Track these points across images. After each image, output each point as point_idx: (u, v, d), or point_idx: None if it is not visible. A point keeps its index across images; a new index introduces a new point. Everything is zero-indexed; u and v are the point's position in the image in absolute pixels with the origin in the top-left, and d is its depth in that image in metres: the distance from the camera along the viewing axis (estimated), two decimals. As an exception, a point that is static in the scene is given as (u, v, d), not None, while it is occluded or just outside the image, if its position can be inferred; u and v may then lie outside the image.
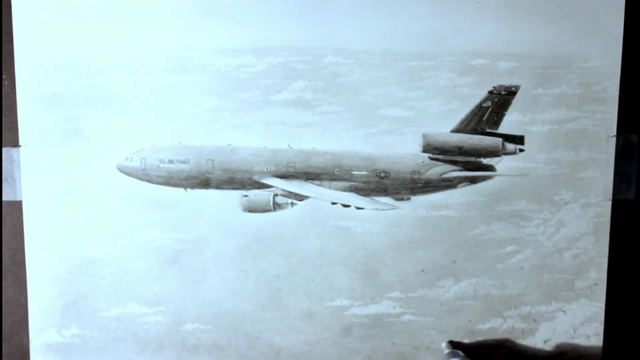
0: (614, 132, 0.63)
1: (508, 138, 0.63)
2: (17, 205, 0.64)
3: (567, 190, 0.64)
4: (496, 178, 0.64)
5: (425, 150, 0.64)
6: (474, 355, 0.64)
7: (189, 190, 0.64)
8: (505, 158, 0.63)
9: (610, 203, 0.63)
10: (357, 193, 0.64)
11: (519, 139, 0.63)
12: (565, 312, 0.65)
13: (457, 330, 0.65)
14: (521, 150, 0.63)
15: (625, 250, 0.65)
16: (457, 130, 0.63)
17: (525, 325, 0.65)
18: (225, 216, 0.64)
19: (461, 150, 0.64)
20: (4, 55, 0.63)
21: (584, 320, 0.65)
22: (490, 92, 0.62)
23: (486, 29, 0.62)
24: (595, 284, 0.64)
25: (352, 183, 0.64)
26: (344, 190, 0.64)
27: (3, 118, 0.63)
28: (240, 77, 0.63)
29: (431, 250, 0.64)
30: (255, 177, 0.64)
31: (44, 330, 0.65)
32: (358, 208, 0.64)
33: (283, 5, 0.62)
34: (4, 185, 0.63)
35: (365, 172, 0.64)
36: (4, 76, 0.63)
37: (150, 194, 0.64)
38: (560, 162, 0.63)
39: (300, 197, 0.64)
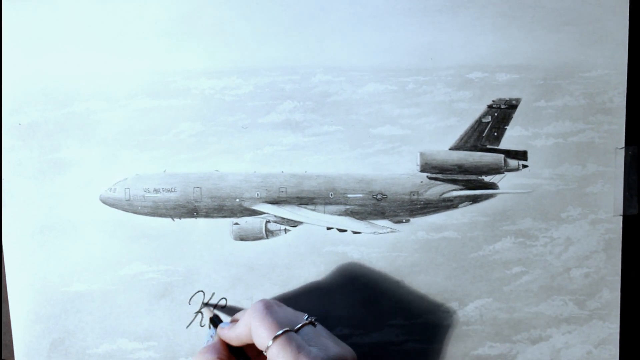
0: (622, 144, 0.60)
1: (510, 154, 0.60)
2: (-3, 242, 0.61)
3: (575, 206, 0.60)
4: (499, 196, 0.60)
5: (423, 170, 0.60)
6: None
7: (176, 220, 0.61)
8: (508, 175, 0.60)
9: (621, 218, 0.60)
10: (354, 217, 0.61)
11: (521, 155, 0.60)
12: (577, 335, 0.61)
13: (464, 357, 0.61)
14: (524, 166, 0.60)
15: (638, 267, 0.61)
16: (456, 148, 0.60)
17: (536, 350, 0.61)
18: (215, 246, 0.61)
19: (461, 169, 0.61)
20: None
21: (598, 342, 0.61)
22: (490, 107, 0.59)
23: (483, 40, 0.59)
24: (608, 304, 0.61)
25: (348, 206, 0.61)
26: (340, 214, 0.61)
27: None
28: (225, 99, 0.60)
29: (433, 274, 0.61)
30: (246, 204, 0.61)
31: (29, 371, 0.62)
32: (355, 232, 0.61)
33: (268, 23, 0.59)
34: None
35: (361, 195, 0.61)
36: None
37: (135, 226, 0.61)
38: (567, 177, 0.60)
39: (294, 223, 0.61)
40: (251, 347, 0.50)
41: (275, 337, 0.46)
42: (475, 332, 0.61)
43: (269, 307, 0.49)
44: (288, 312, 0.51)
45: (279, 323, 0.47)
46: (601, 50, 0.59)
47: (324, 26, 0.59)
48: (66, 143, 0.60)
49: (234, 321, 0.54)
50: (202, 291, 0.61)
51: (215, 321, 0.58)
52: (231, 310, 0.61)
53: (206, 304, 0.61)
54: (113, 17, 0.59)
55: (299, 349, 0.45)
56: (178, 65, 0.59)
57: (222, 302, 0.61)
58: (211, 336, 0.57)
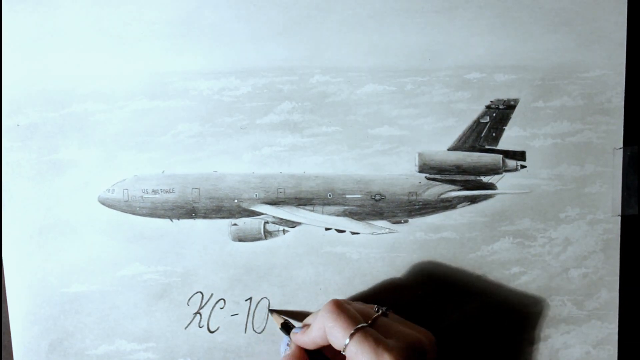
0: (620, 144, 0.60)
1: (508, 154, 0.60)
2: (-5, 243, 0.61)
3: (573, 206, 0.60)
4: (497, 197, 0.60)
5: (421, 170, 0.60)
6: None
7: (175, 221, 0.61)
8: (506, 175, 0.60)
9: (619, 219, 0.60)
10: (352, 217, 0.61)
11: (520, 155, 0.60)
12: (576, 335, 0.61)
13: (462, 358, 0.61)
14: (523, 167, 0.60)
15: (637, 268, 0.61)
16: (454, 148, 0.60)
17: (535, 351, 0.61)
18: (214, 247, 0.61)
19: (459, 169, 0.61)
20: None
21: (596, 343, 0.61)
22: (488, 107, 0.59)
23: (481, 41, 0.59)
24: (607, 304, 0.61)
25: (346, 207, 0.61)
26: (338, 214, 0.61)
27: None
28: (223, 100, 0.60)
29: (432, 274, 0.61)
30: (244, 205, 0.61)
31: (28, 372, 0.62)
32: (353, 233, 0.61)
33: (266, 24, 0.59)
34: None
35: (359, 195, 0.61)
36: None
37: (134, 226, 0.61)
38: (565, 177, 0.60)
39: (292, 224, 0.61)
40: (329, 347, 0.50)
41: (352, 335, 0.45)
42: (473, 331, 0.61)
43: (340, 305, 0.49)
44: (358, 307, 0.51)
45: (352, 320, 0.47)
46: (599, 51, 0.59)
47: (322, 27, 0.59)
48: (65, 144, 0.60)
49: (306, 325, 0.53)
50: (200, 292, 0.61)
51: (286, 327, 0.57)
52: (230, 310, 0.61)
53: (273, 310, 0.60)
54: (111, 18, 0.59)
55: (376, 342, 0.45)
56: (176, 66, 0.60)
57: (220, 304, 0.61)
58: (287, 344, 0.55)
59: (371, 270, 0.61)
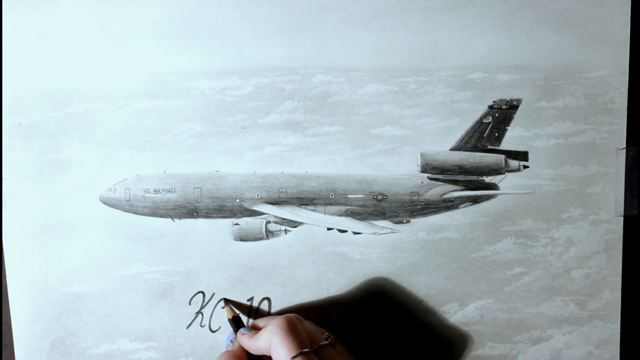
0: (623, 144, 0.59)
1: (511, 154, 0.60)
2: (-3, 243, 0.61)
3: (576, 207, 0.60)
4: (500, 197, 0.60)
5: (423, 170, 0.60)
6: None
7: (176, 220, 0.61)
8: (508, 176, 0.60)
9: (622, 219, 0.60)
10: (354, 217, 0.61)
11: (522, 155, 0.60)
12: (578, 335, 0.61)
13: (464, 358, 0.61)
14: (525, 167, 0.60)
15: (639, 268, 0.61)
16: (456, 148, 0.60)
17: (537, 351, 0.61)
18: (215, 246, 0.61)
19: (462, 169, 0.61)
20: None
21: (598, 343, 0.61)
22: (491, 107, 0.59)
23: (484, 41, 0.59)
24: (609, 305, 0.61)
25: (348, 207, 0.61)
26: (340, 214, 0.61)
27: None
28: (225, 100, 0.60)
29: (434, 274, 0.61)
30: (246, 205, 0.61)
31: (30, 372, 0.62)
32: (355, 233, 0.61)
33: (268, 24, 0.59)
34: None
35: (361, 195, 0.61)
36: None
37: (136, 226, 0.61)
38: (567, 177, 0.60)
39: (294, 224, 0.61)
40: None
41: (294, 357, 0.46)
42: (475, 332, 0.61)
43: (292, 324, 0.49)
44: (310, 329, 0.51)
45: (299, 343, 0.47)
46: (602, 51, 0.58)
47: (324, 26, 0.59)
48: (66, 143, 0.60)
49: (254, 327, 0.54)
50: (202, 292, 0.61)
51: (236, 322, 0.57)
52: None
53: (227, 300, 0.60)
54: (113, 18, 0.59)
55: None
56: (178, 66, 0.59)
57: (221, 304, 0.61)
58: (231, 341, 0.56)
59: (373, 271, 0.61)
